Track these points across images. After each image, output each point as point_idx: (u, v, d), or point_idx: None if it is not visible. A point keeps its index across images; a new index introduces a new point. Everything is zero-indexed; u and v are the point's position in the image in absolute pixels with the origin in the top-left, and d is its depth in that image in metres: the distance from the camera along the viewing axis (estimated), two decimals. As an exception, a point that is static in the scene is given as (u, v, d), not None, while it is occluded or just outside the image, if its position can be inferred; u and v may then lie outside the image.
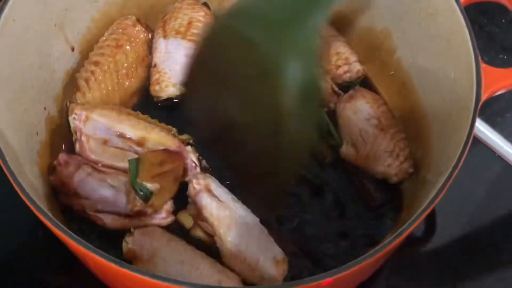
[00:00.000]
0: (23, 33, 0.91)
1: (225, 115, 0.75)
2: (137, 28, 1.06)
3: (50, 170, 0.93)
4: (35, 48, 0.94)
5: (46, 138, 0.96)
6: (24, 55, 0.92)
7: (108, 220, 0.91)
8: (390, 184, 0.97)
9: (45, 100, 0.97)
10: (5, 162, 0.77)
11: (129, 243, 0.89)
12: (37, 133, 0.94)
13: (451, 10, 0.91)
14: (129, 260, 0.89)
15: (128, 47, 1.04)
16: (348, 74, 1.07)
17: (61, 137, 1.00)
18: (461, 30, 0.89)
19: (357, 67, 1.07)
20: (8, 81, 0.87)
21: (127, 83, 1.03)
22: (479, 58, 0.87)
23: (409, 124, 1.02)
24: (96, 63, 1.01)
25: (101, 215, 0.91)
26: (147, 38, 1.07)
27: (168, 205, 0.92)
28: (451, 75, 0.92)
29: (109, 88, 1.01)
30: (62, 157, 0.94)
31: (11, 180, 0.76)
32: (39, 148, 0.94)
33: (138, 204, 0.89)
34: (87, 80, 1.00)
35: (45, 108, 0.97)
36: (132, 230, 0.89)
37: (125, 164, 0.93)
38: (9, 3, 0.87)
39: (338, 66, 1.07)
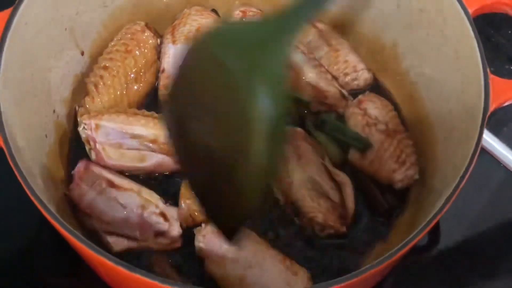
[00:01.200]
0: (35, 37, 0.91)
1: (196, 135, 0.74)
2: (146, 34, 1.06)
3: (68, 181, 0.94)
4: (46, 51, 0.95)
5: (54, 141, 0.97)
6: (35, 58, 0.92)
7: (116, 243, 0.90)
8: (398, 190, 0.97)
9: (54, 103, 0.98)
10: (16, 164, 0.77)
11: (200, 242, 0.89)
12: (46, 136, 0.94)
13: (460, 21, 0.91)
14: (201, 259, 0.89)
15: (137, 52, 1.04)
16: (356, 82, 1.07)
17: (69, 140, 1.01)
18: (469, 41, 0.90)
19: (364, 75, 1.08)
20: (19, 84, 0.88)
21: (135, 87, 1.04)
22: (488, 69, 0.87)
23: (415, 132, 1.03)
24: (105, 68, 1.01)
25: (110, 238, 0.90)
26: (155, 44, 1.07)
27: (176, 230, 0.92)
28: (459, 85, 0.92)
29: (118, 93, 1.01)
30: (79, 168, 0.93)
31: (22, 183, 0.77)
32: (47, 151, 0.94)
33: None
34: (96, 85, 1.00)
35: (54, 111, 0.97)
36: (203, 225, 0.90)
37: (144, 164, 0.94)
38: (22, 7, 0.87)
39: (346, 74, 1.07)
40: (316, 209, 0.93)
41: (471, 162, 0.81)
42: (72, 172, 0.93)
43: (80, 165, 0.94)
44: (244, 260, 0.87)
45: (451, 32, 0.94)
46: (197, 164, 0.75)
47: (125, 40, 1.05)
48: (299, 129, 1.01)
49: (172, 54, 1.06)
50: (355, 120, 1.01)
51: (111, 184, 0.92)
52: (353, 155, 1.00)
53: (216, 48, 0.71)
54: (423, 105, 1.02)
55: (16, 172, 0.77)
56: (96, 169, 0.94)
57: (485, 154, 1.09)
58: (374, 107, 1.02)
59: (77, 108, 1.01)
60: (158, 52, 1.08)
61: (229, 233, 0.75)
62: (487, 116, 0.84)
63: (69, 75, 1.02)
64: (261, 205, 0.73)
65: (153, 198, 0.93)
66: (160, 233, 0.91)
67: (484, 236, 1.04)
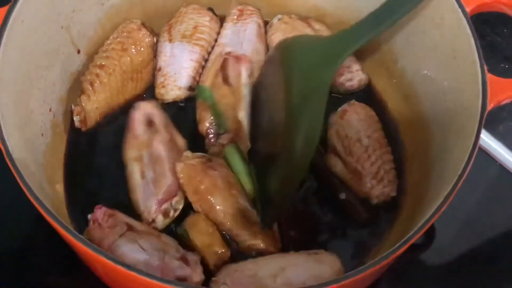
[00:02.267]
0: (31, 34, 0.91)
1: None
2: (142, 32, 1.06)
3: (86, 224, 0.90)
4: (42, 49, 0.94)
5: (50, 140, 0.96)
6: (31, 56, 0.92)
7: None
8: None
9: (51, 102, 0.97)
10: (13, 162, 0.77)
11: None
12: (42, 135, 0.94)
13: (458, 19, 0.91)
14: None
15: (133, 51, 1.04)
16: (349, 83, 1.07)
17: (65, 139, 1.01)
18: (467, 39, 0.90)
19: (359, 76, 1.07)
20: (16, 82, 0.87)
21: (132, 86, 1.04)
22: (485, 67, 0.87)
23: (412, 131, 1.03)
24: (101, 66, 1.01)
25: None
26: (151, 42, 1.07)
27: (198, 276, 0.88)
28: (456, 84, 0.92)
29: (114, 91, 1.01)
30: (99, 214, 0.89)
31: (20, 181, 0.76)
32: (44, 150, 0.94)
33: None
34: (92, 83, 1.00)
35: (50, 110, 0.97)
36: (216, 278, 0.87)
37: None
38: (18, 4, 0.87)
39: (341, 74, 1.06)
40: (253, 237, 0.92)
41: (469, 161, 0.81)
42: (89, 216, 0.90)
43: (100, 211, 0.89)
44: (275, 269, 0.86)
45: (448, 30, 0.94)
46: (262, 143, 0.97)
47: (121, 38, 1.04)
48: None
49: (168, 53, 1.06)
50: (337, 130, 1.00)
51: (131, 228, 0.89)
52: (335, 161, 0.99)
53: (285, 62, 0.94)
54: (420, 104, 1.02)
55: (13, 171, 0.77)
56: (117, 215, 0.90)
57: (480, 152, 1.09)
58: (357, 118, 1.00)
59: (73, 107, 1.00)
60: (154, 50, 1.08)
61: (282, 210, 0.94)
62: (485, 114, 0.84)
63: (65, 73, 1.01)
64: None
65: (173, 243, 0.90)
66: (181, 279, 0.86)
67: (479, 233, 1.04)
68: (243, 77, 1.02)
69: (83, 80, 1.01)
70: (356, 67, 1.08)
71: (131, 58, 1.03)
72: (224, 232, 0.92)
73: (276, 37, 1.09)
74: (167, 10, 1.12)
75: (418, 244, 1.00)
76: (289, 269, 0.86)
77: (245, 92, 1.02)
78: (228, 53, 1.05)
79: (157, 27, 1.10)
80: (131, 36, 1.05)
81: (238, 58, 1.04)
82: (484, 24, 1.23)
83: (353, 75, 1.07)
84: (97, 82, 1.00)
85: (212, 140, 1.00)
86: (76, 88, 1.02)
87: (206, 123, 1.01)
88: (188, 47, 1.06)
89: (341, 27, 0.97)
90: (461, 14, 0.91)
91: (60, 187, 0.96)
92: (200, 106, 1.03)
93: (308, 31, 1.10)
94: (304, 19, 1.12)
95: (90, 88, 1.00)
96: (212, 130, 1.00)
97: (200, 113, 1.02)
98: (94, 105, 1.00)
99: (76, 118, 1.00)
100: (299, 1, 1.13)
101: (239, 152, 0.97)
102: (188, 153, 0.96)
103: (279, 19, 1.12)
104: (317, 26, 1.11)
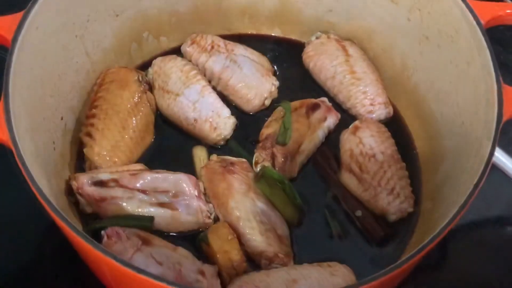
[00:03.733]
0: (45, 42, 0.91)
1: None
2: (122, 72, 1.04)
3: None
4: (56, 57, 0.95)
5: (61, 148, 0.96)
6: (45, 64, 0.92)
7: None
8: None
9: (63, 110, 0.98)
10: (26, 169, 0.76)
11: None
12: (54, 142, 0.94)
13: (473, 32, 0.91)
14: None
15: (120, 91, 1.01)
16: (369, 115, 1.05)
17: (75, 148, 1.00)
18: (482, 51, 0.89)
19: (380, 111, 1.05)
20: (29, 90, 0.88)
21: (133, 121, 1.01)
22: (500, 78, 0.87)
23: (426, 143, 1.03)
24: (93, 115, 0.99)
25: None
26: (134, 77, 1.05)
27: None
28: (471, 96, 0.92)
29: (115, 132, 0.99)
30: (114, 228, 0.89)
31: (30, 184, 0.76)
32: (55, 157, 0.93)
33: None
34: (89, 134, 0.98)
35: (62, 118, 0.97)
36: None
37: None
38: (33, 11, 0.87)
39: (363, 105, 1.05)
40: (266, 243, 0.91)
41: (484, 172, 0.80)
42: (103, 232, 0.89)
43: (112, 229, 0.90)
44: (287, 281, 0.85)
45: (463, 43, 0.94)
46: None
47: (105, 85, 1.03)
48: (244, 160, 0.99)
49: (189, 104, 1.04)
50: (350, 147, 1.00)
51: (146, 242, 0.88)
52: (350, 178, 0.98)
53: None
54: (433, 116, 1.02)
55: (25, 174, 0.76)
56: (131, 229, 0.90)
57: (498, 172, 1.08)
58: (369, 135, 1.00)
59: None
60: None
61: None
62: (501, 125, 0.83)
63: (78, 83, 1.01)
64: None
65: (189, 255, 0.89)
66: None
67: (493, 253, 1.03)
68: (325, 123, 1.04)
69: (80, 136, 0.99)
70: (379, 99, 1.06)
71: (121, 97, 1.01)
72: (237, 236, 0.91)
73: (308, 56, 1.11)
74: (180, 23, 1.13)
75: (431, 265, 0.99)
76: (301, 281, 0.85)
77: (319, 133, 1.03)
78: (323, 101, 1.05)
79: (171, 39, 1.13)
80: (114, 78, 1.03)
81: (329, 109, 1.05)
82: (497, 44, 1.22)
83: (375, 108, 1.05)
84: (93, 130, 0.98)
85: (266, 144, 1.00)
86: (88, 99, 1.03)
87: (271, 130, 1.01)
88: (196, 87, 1.04)
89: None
90: (476, 27, 0.91)
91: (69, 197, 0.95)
92: (275, 116, 1.03)
93: (340, 56, 1.09)
94: (340, 41, 1.11)
95: (90, 139, 0.98)
96: (271, 139, 1.00)
97: (271, 121, 1.03)
98: (102, 152, 0.97)
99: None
100: (312, 17, 1.14)
101: (272, 181, 0.96)
102: (213, 157, 0.98)
103: (317, 38, 1.12)
104: (352, 50, 1.10)
